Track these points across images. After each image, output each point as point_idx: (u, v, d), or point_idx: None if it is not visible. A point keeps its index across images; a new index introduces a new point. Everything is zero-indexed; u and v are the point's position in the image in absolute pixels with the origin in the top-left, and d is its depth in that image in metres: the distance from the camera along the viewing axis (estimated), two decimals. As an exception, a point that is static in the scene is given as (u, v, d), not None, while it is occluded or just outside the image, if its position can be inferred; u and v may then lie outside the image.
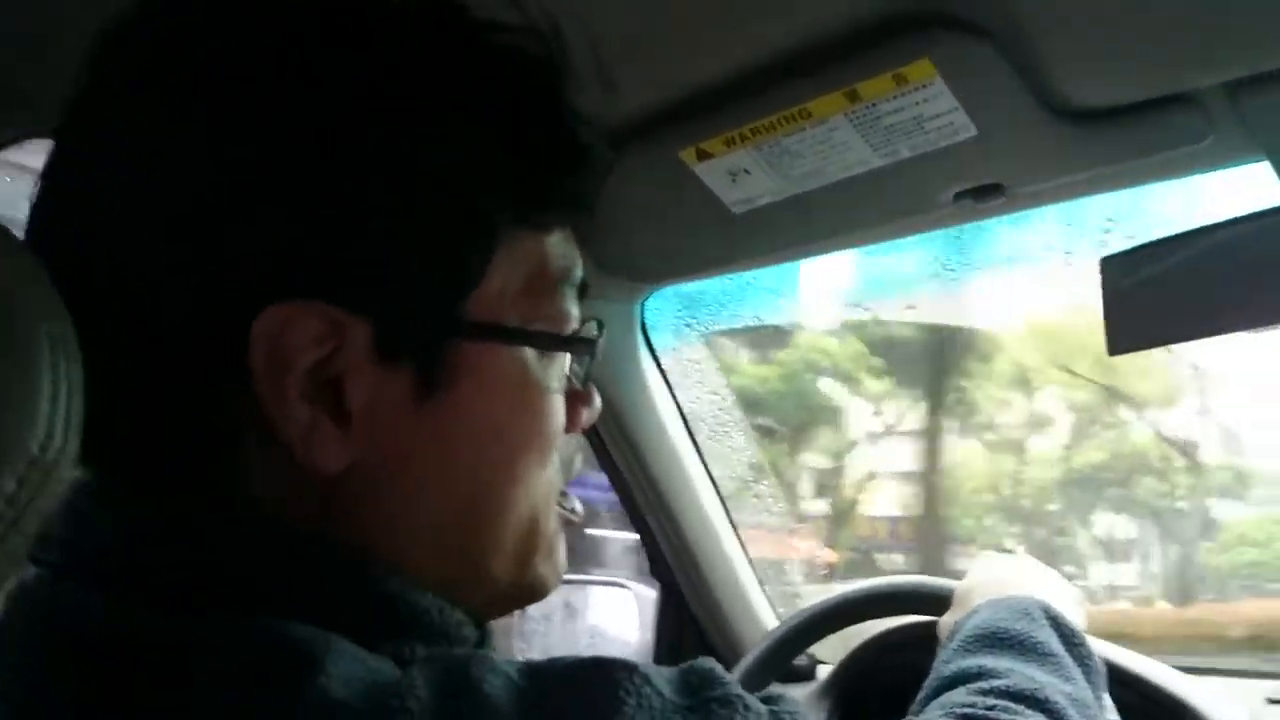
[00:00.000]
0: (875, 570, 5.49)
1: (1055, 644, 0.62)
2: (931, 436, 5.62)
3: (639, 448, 1.14)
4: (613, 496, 1.23)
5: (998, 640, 0.62)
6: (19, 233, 0.38)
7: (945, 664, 0.62)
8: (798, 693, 0.99)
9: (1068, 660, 0.61)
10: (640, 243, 0.93)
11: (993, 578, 0.73)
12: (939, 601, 0.80)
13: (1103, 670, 0.64)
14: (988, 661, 0.59)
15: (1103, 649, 0.72)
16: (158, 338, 0.38)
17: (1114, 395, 5.25)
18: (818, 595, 0.99)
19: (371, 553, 0.39)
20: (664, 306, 1.14)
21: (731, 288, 1.15)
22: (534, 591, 0.46)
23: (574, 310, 0.45)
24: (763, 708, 0.38)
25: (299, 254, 0.38)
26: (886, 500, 5.79)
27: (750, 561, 1.23)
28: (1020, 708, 0.53)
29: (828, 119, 0.69)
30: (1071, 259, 0.98)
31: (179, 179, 0.38)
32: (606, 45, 0.65)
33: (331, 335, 0.38)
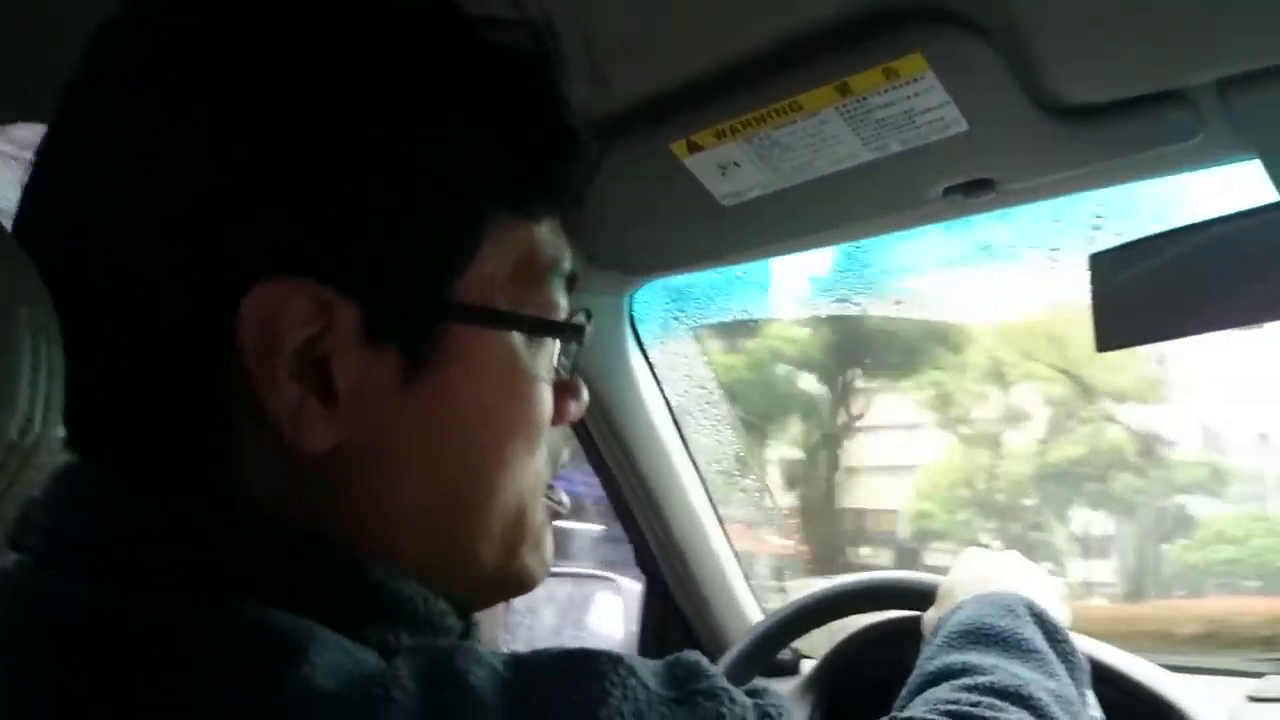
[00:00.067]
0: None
1: (1039, 640, 0.62)
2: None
3: (626, 441, 1.14)
4: (596, 491, 1.23)
5: (982, 636, 0.62)
6: (7, 222, 0.38)
7: (929, 660, 0.62)
8: (782, 686, 0.99)
9: (1051, 657, 0.61)
10: (629, 235, 0.93)
11: (977, 573, 0.74)
12: (923, 596, 0.81)
13: (1086, 667, 0.64)
14: (972, 658, 0.59)
15: (1086, 646, 0.72)
16: (151, 327, 0.38)
17: (1089, 390, 5.29)
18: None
19: (359, 538, 0.39)
20: (652, 300, 1.14)
21: (720, 281, 1.15)
22: (521, 583, 0.46)
23: (563, 301, 0.46)
24: (748, 701, 0.39)
25: (293, 241, 0.38)
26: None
27: (736, 555, 1.24)
28: (1004, 704, 0.54)
29: (818, 112, 0.69)
30: (1058, 256, 0.99)
31: (177, 178, 0.38)
32: (598, 39, 0.65)
33: (320, 315, 0.38)
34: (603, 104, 0.73)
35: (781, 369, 5.63)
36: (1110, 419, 5.34)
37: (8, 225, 0.39)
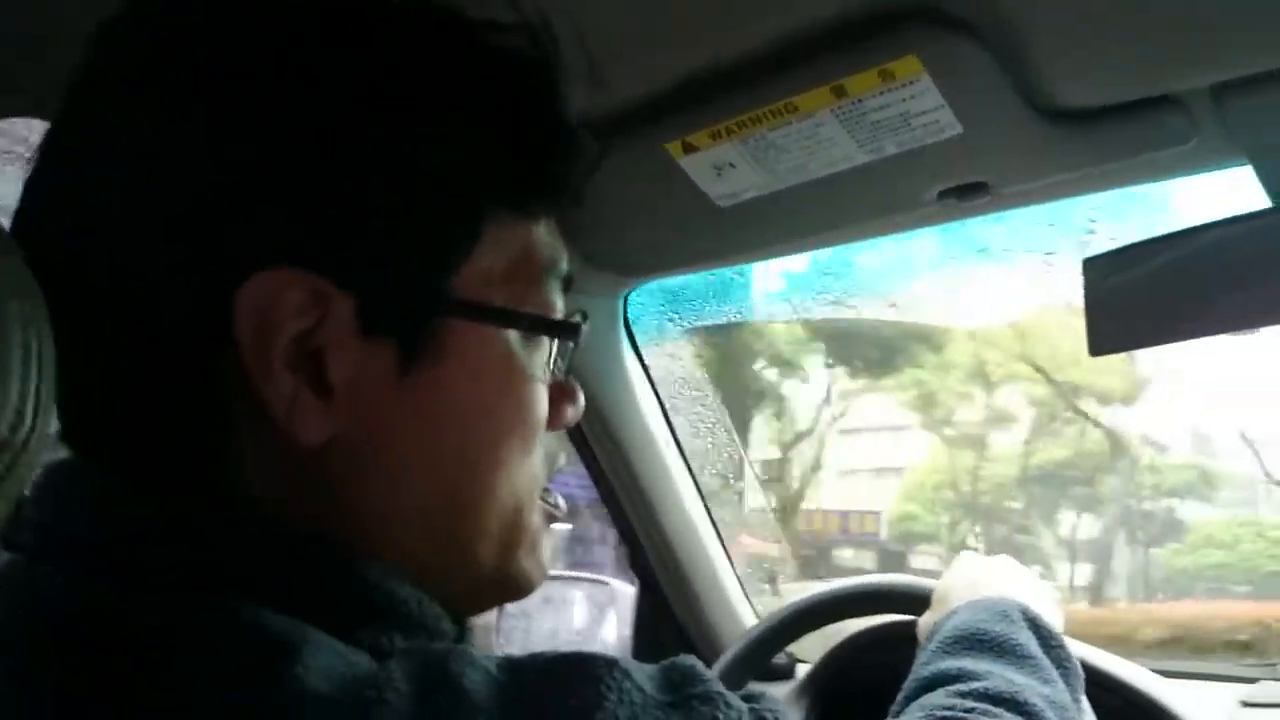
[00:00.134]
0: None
1: (1034, 646, 0.62)
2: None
3: (620, 443, 1.13)
4: (590, 493, 1.22)
5: (977, 642, 0.62)
6: (5, 220, 0.39)
7: (924, 665, 0.62)
8: (776, 691, 0.99)
9: (1046, 662, 0.61)
10: (625, 236, 0.93)
11: (971, 578, 0.74)
12: (918, 601, 0.80)
13: (1080, 673, 0.64)
14: (967, 663, 0.60)
15: (1081, 651, 0.72)
16: (150, 326, 0.38)
17: (1076, 394, 5.30)
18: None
19: (359, 538, 0.39)
20: (647, 301, 1.14)
21: (715, 283, 1.15)
22: (518, 586, 0.46)
23: (559, 302, 0.46)
24: (743, 705, 0.38)
25: (292, 239, 0.38)
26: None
27: (730, 559, 1.23)
28: (999, 710, 0.54)
29: (814, 114, 0.69)
30: (1052, 260, 0.99)
31: (178, 177, 0.38)
32: (595, 40, 0.65)
33: (316, 305, 0.38)
34: (599, 104, 0.72)
35: (767, 369, 5.64)
36: (1097, 422, 5.37)
37: (5, 223, 0.39)
